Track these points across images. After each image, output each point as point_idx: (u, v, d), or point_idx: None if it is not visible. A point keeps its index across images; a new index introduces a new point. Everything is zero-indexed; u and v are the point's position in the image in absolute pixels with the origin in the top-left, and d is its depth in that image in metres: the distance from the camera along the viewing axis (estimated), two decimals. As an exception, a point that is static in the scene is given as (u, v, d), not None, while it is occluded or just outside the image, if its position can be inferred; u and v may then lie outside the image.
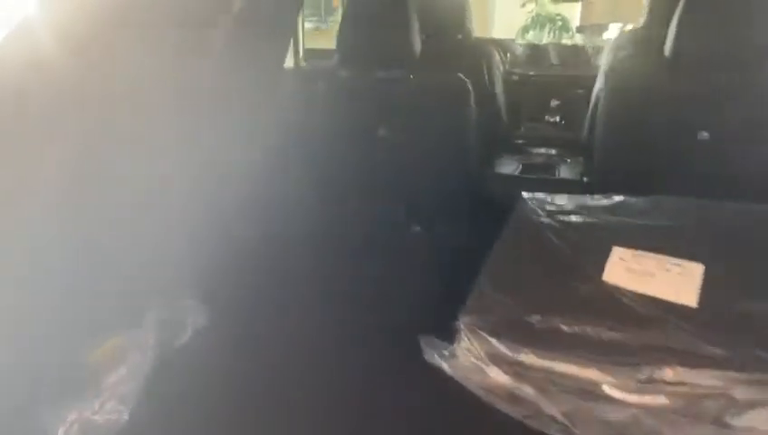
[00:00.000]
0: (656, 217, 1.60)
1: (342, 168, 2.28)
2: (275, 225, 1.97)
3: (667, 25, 2.59)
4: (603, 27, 5.96)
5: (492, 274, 1.48)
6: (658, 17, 2.63)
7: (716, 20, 1.83)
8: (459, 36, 2.97)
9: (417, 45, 2.17)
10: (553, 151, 3.06)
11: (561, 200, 1.78)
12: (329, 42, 2.98)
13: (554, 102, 3.66)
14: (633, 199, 1.74)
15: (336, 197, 2.25)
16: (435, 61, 2.29)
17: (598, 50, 3.88)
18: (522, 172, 2.50)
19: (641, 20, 2.81)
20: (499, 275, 1.48)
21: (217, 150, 1.75)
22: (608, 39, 6.13)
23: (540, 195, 1.81)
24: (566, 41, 6.91)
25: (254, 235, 1.91)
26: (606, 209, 1.69)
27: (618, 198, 1.78)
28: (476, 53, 2.87)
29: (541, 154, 2.96)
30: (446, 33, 2.87)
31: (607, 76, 2.55)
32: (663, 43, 2.49)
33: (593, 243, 1.52)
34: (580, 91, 3.60)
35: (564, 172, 2.52)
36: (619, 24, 6.61)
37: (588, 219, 1.64)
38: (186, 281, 1.55)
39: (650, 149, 2.00)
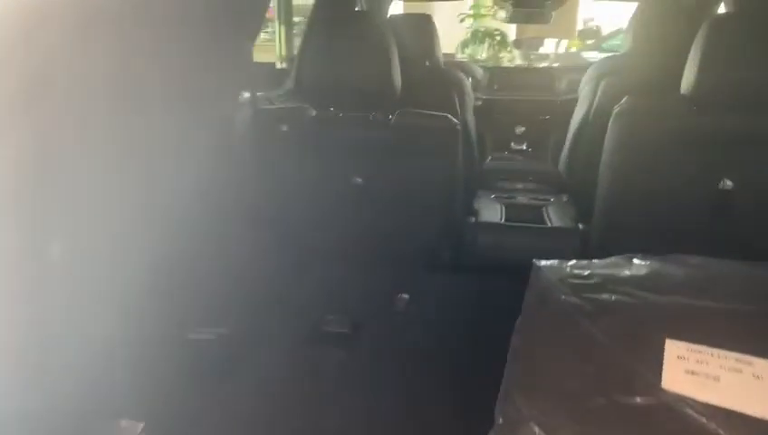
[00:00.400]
0: (705, 290, 1.37)
1: (310, 224, 1.97)
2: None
3: (655, 55, 2.42)
4: (539, 42, 5.93)
5: (521, 380, 1.20)
6: (644, 46, 2.44)
7: (742, 55, 1.62)
8: (427, 63, 2.70)
9: (398, 82, 1.88)
10: (531, 186, 2.83)
11: (581, 268, 1.52)
12: (262, 55, 2.67)
13: (519, 129, 3.45)
14: (665, 264, 1.51)
15: (304, 261, 1.94)
16: (403, 92, 2.02)
17: (561, 73, 3.69)
18: (507, 219, 2.25)
19: (624, 46, 2.61)
20: (531, 382, 1.20)
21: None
22: (544, 53, 6.15)
23: (554, 263, 1.54)
24: (504, 54, 6.85)
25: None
26: (639, 282, 1.44)
27: (641, 262, 1.54)
28: (446, 82, 2.61)
29: (518, 190, 2.72)
30: (413, 60, 2.59)
31: (597, 110, 2.34)
32: (654, 73, 2.30)
33: (639, 333, 1.26)
34: (545, 116, 3.41)
35: (554, 216, 2.28)
36: (555, 40, 6.64)
37: (623, 297, 1.39)
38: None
39: (664, 196, 1.77)
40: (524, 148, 3.42)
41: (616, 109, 1.78)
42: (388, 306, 1.75)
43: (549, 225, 2.19)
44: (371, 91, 1.89)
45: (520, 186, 2.88)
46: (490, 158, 3.26)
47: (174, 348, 1.41)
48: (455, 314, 1.73)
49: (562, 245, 2.05)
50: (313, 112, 1.96)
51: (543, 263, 1.54)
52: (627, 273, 1.49)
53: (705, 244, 1.46)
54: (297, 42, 2.97)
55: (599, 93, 2.46)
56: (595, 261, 1.58)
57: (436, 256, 2.09)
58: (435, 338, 1.64)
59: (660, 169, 1.73)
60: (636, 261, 1.56)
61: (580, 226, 2.14)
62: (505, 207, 2.37)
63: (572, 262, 1.56)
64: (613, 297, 1.40)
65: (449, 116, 1.90)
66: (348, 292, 1.80)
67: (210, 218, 1.62)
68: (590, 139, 2.52)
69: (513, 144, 3.43)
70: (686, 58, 1.71)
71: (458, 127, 1.89)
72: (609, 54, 3.74)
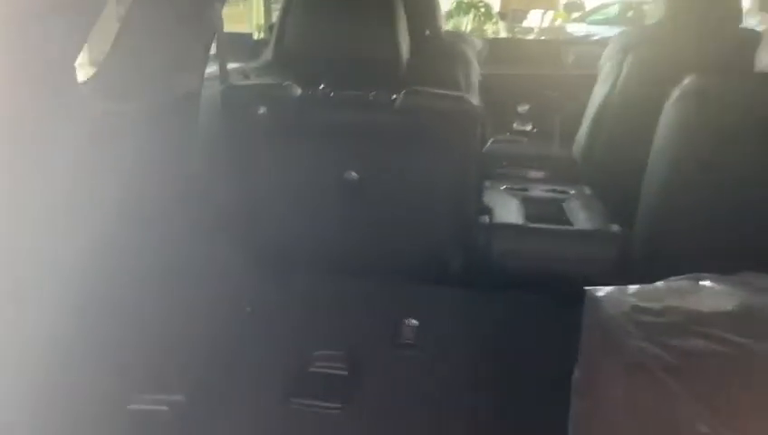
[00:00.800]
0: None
1: (294, 232, 1.60)
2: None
3: (695, 25, 2.08)
4: (524, 14, 5.64)
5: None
6: (682, 16, 2.08)
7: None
8: (427, 32, 2.30)
9: (405, 53, 1.50)
10: (541, 174, 2.48)
11: (648, 299, 1.19)
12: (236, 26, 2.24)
13: (522, 108, 3.08)
14: (751, 293, 1.19)
15: (286, 281, 1.58)
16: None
17: (567, 45, 3.33)
18: (527, 217, 1.90)
19: (655, 15, 2.25)
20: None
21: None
22: (528, 26, 5.82)
23: (613, 292, 1.21)
24: (488, 26, 6.53)
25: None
26: (730, 321, 1.11)
27: (718, 287, 1.23)
28: (449, 54, 2.23)
29: (529, 181, 2.37)
30: (412, 29, 2.20)
31: (623, 88, 2.00)
32: (694, 47, 1.96)
33: (743, 402, 0.94)
34: (552, 93, 3.05)
35: (579, 213, 1.93)
36: (540, 12, 6.32)
37: (714, 345, 1.06)
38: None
39: (736, 198, 1.44)
40: (529, 129, 3.05)
41: (677, 91, 1.43)
42: (393, 336, 1.40)
43: (576, 226, 1.84)
44: (371, 64, 1.52)
45: (530, 174, 2.52)
46: (492, 140, 2.88)
47: (110, 426, 1.04)
48: (476, 346, 1.39)
49: (596, 252, 1.71)
50: (298, 91, 1.58)
51: (600, 293, 1.20)
52: (708, 306, 1.16)
53: None
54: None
55: (624, 69, 2.12)
56: (659, 285, 1.25)
57: (445, 266, 1.74)
58: (455, 380, 1.30)
59: (734, 164, 1.39)
60: (708, 284, 1.24)
61: (614, 228, 1.80)
62: (522, 203, 2.01)
63: (633, 289, 1.23)
64: (701, 344, 1.07)
65: (466, 96, 1.53)
66: (342, 318, 1.45)
67: (163, 230, 1.25)
68: (614, 121, 2.19)
69: (515, 124, 3.06)
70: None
71: (478, 111, 1.52)
72: (628, 28, 3.34)
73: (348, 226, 1.65)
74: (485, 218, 1.86)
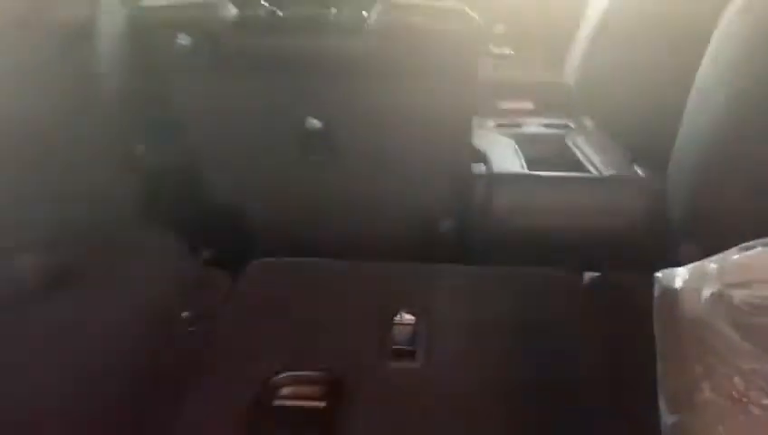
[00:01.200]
0: None
1: (236, 199, 1.22)
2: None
3: None
4: None
5: None
6: None
7: None
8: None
9: None
10: (530, 105, 2.11)
11: (740, 284, 0.85)
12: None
13: (498, 28, 2.68)
14: None
15: (231, 259, 1.21)
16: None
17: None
18: (529, 163, 1.54)
19: None
20: None
21: None
22: None
23: (691, 275, 0.87)
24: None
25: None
26: None
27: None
28: None
29: (518, 113, 1.99)
30: None
31: None
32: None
33: None
34: (531, 11, 2.65)
35: (589, 153, 1.57)
36: None
37: None
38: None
39: None
40: (508, 52, 2.65)
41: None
42: (382, 340, 1.04)
43: (589, 169, 1.49)
44: None
45: (517, 105, 2.15)
46: None
47: None
48: (488, 339, 1.04)
49: (625, 204, 1.36)
50: (233, 10, 1.15)
51: (678, 281, 0.85)
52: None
53: None
54: None
55: None
56: (739, 258, 0.90)
57: (434, 230, 1.38)
58: (474, 399, 0.95)
59: None
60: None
61: (640, 172, 1.46)
62: (518, 144, 1.64)
63: (714, 268, 0.88)
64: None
65: (466, 8, 1.13)
66: (314, 322, 1.08)
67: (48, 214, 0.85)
68: (621, 38, 1.81)
69: (491, 47, 2.65)
70: None
71: (481, 26, 1.13)
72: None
73: (312, 189, 1.26)
74: (481, 167, 1.49)
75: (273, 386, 0.96)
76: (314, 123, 1.20)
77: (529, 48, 2.64)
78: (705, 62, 1.20)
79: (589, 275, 1.23)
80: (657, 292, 0.86)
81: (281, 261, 1.23)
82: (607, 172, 1.46)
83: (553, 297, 1.14)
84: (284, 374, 0.97)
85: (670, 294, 0.84)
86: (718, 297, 0.81)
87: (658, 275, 0.87)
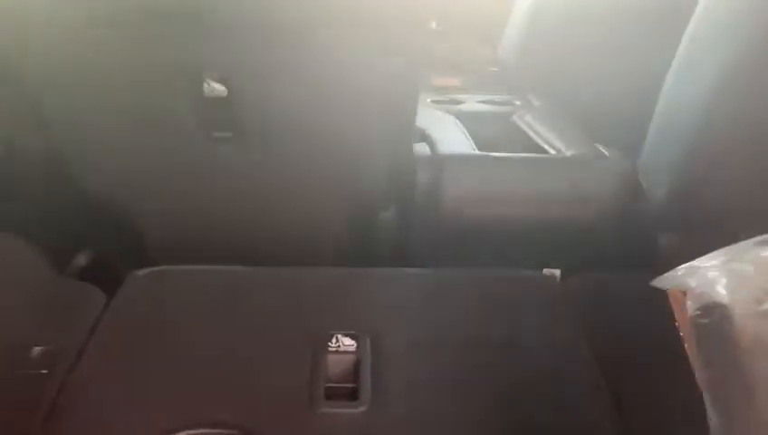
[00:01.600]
0: None
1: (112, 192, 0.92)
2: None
3: None
4: None
5: None
6: None
7: None
8: None
9: None
10: (467, 81, 1.90)
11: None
12: None
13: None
14: None
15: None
16: None
17: None
18: (477, 143, 1.30)
19: None
20: None
21: None
22: None
23: (712, 277, 0.65)
24: None
25: None
26: None
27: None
28: None
29: (455, 90, 1.77)
30: None
31: None
32: None
33: None
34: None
35: (543, 132, 1.36)
36: None
37: None
38: None
39: None
40: (433, 26, 2.44)
41: None
42: (311, 371, 0.77)
43: (553, 152, 1.27)
44: None
45: (450, 81, 1.93)
46: None
47: None
48: (453, 366, 0.80)
49: (598, 187, 1.16)
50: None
51: (712, 289, 0.63)
52: None
53: None
54: None
55: None
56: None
57: (370, 225, 1.13)
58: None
59: None
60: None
61: (602, 150, 1.26)
62: (462, 122, 1.41)
63: (747, 270, 0.67)
64: None
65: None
66: (223, 355, 0.79)
67: None
68: (558, 13, 1.69)
69: None
70: None
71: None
72: None
73: (213, 175, 0.98)
74: (424, 147, 1.24)
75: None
76: (216, 89, 0.92)
77: (459, 23, 2.44)
78: (685, 40, 1.02)
79: (567, 276, 1.01)
80: (691, 299, 0.64)
81: (172, 269, 0.93)
82: (570, 153, 1.25)
83: (529, 305, 0.90)
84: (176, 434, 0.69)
85: (708, 303, 0.63)
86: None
87: (688, 278, 0.66)
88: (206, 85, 0.91)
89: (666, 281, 0.68)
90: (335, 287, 0.93)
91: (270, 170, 1.01)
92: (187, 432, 0.68)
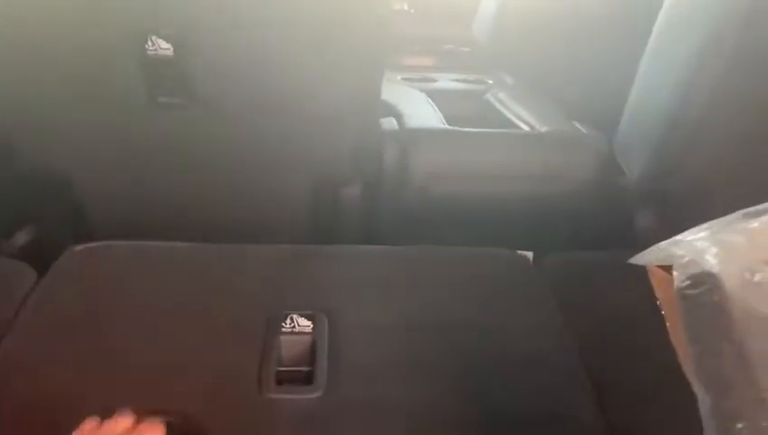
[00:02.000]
0: None
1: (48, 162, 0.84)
2: None
3: None
4: None
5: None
6: None
7: None
8: None
9: None
10: (440, 61, 1.85)
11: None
12: None
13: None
14: None
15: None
16: None
17: None
18: (448, 119, 1.24)
19: None
20: None
21: None
22: None
23: (703, 248, 0.60)
24: None
25: None
26: None
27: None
28: None
29: (427, 69, 1.71)
30: None
31: None
32: None
33: None
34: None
35: (518, 110, 1.30)
36: None
37: None
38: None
39: None
40: (405, 8, 2.38)
41: None
42: (263, 354, 0.70)
43: (525, 127, 1.21)
44: None
45: (422, 61, 1.87)
46: None
47: None
48: (419, 350, 0.73)
49: (573, 164, 1.10)
50: None
51: (703, 259, 0.58)
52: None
53: None
54: None
55: None
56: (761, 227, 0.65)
57: (332, 200, 1.06)
58: (392, 428, 0.64)
59: None
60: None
61: (578, 126, 1.21)
62: (433, 99, 1.35)
63: (739, 240, 0.62)
64: None
65: None
66: (167, 339, 0.72)
67: None
68: None
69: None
70: None
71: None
72: None
73: (160, 145, 0.90)
74: (392, 121, 1.18)
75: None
76: (162, 47, 0.84)
77: (431, 3, 2.37)
78: (662, 15, 0.97)
79: (541, 255, 0.95)
80: (678, 269, 0.59)
81: (113, 245, 0.85)
82: (544, 129, 1.19)
83: (500, 285, 0.84)
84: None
85: (697, 272, 0.57)
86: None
87: (674, 248, 0.60)
88: (149, 43, 0.83)
89: (646, 256, 0.63)
90: (292, 265, 0.86)
91: (223, 140, 0.93)
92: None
